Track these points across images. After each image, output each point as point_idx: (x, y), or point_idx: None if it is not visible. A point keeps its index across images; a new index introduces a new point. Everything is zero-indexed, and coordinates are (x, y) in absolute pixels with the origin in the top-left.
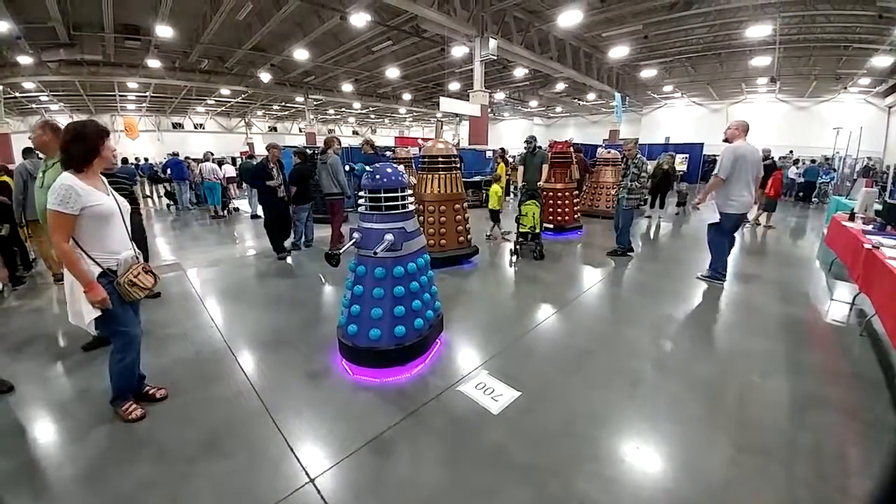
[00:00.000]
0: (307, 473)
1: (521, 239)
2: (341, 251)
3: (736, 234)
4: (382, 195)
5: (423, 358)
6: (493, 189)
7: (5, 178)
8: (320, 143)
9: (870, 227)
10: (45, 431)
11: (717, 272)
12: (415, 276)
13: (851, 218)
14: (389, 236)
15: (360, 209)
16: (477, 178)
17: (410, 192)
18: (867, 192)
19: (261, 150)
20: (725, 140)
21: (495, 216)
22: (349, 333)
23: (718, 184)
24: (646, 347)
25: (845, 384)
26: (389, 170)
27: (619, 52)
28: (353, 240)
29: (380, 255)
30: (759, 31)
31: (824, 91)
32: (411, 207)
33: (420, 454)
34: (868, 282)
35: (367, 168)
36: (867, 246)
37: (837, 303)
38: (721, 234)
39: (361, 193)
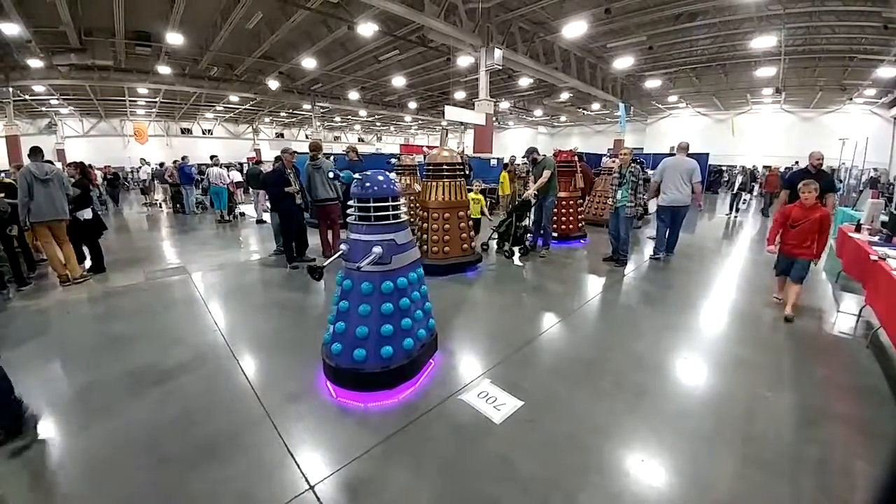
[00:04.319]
0: (307, 480)
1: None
2: (325, 264)
3: (679, 226)
4: (371, 205)
5: (412, 381)
6: (470, 196)
7: (9, 179)
8: (338, 149)
9: (876, 239)
10: (45, 429)
11: (656, 250)
12: (405, 291)
13: (858, 229)
14: (378, 248)
15: (350, 219)
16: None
17: (403, 200)
18: (873, 202)
19: (268, 156)
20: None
21: (474, 226)
22: (333, 352)
23: (655, 185)
24: (650, 358)
25: (851, 397)
26: (381, 177)
27: (623, 62)
28: (340, 251)
29: (366, 269)
30: (763, 42)
31: (830, 102)
32: (404, 217)
33: (421, 462)
34: (874, 293)
35: (356, 175)
36: (873, 257)
37: (844, 314)
38: (659, 221)
39: (350, 202)
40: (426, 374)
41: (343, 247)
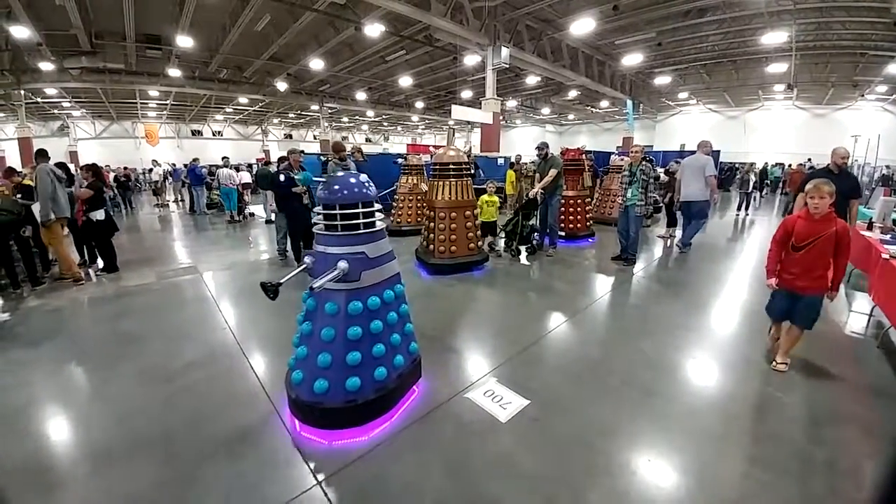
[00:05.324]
0: (314, 476)
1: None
2: (283, 281)
3: (700, 220)
4: (338, 212)
5: (387, 416)
6: (483, 199)
7: (28, 180)
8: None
9: (887, 237)
10: (59, 429)
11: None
12: (378, 313)
13: (869, 227)
14: (343, 264)
15: (315, 228)
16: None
17: (378, 207)
18: (885, 200)
19: (276, 158)
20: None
21: (490, 230)
22: (293, 382)
23: (678, 184)
24: (659, 358)
25: (861, 397)
26: (352, 180)
27: (632, 59)
28: (304, 265)
29: (330, 287)
30: (774, 37)
31: (841, 98)
32: (380, 226)
33: (426, 460)
34: (884, 292)
35: (315, 178)
36: (884, 256)
37: (855, 314)
38: (686, 217)
39: (318, 209)
40: (403, 409)
41: (307, 259)
